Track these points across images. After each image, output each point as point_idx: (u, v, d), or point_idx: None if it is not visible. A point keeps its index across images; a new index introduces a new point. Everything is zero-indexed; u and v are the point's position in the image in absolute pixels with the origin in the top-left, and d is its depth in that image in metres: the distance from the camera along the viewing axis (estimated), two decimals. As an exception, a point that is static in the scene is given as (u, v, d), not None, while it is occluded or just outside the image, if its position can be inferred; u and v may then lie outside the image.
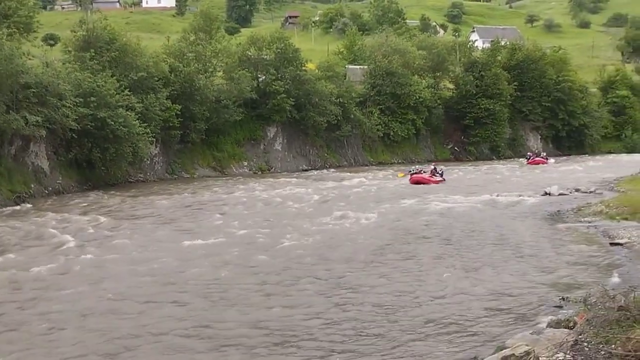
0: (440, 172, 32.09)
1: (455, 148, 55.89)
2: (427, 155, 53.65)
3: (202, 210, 22.48)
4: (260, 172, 41.77)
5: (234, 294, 11.40)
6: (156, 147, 36.79)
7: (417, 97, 50.72)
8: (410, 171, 31.35)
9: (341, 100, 46.60)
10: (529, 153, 46.43)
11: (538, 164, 42.95)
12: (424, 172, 31.32)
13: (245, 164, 42.21)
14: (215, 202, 24.57)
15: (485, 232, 17.77)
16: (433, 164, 35.33)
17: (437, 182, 30.79)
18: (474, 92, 54.72)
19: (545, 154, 47.26)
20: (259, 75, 44.31)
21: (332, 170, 43.71)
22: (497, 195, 25.57)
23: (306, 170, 43.93)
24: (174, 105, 36.21)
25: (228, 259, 14.15)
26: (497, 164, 45.86)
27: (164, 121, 35.76)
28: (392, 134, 50.49)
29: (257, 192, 28.40)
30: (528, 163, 43.75)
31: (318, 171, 42.84)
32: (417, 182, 29.72)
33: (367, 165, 47.20)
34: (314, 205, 23.59)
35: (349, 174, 38.29)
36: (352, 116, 47.66)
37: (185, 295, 11.36)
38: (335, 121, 46.07)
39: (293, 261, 14.00)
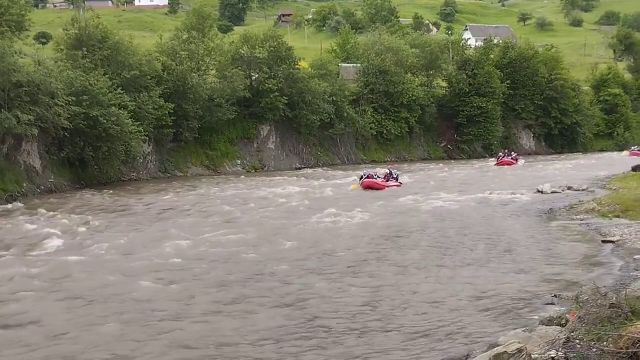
0: (395, 176, 30.41)
1: (449, 146, 55.75)
2: (421, 153, 53.56)
3: (192, 210, 22.41)
4: (253, 171, 41.78)
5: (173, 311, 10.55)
6: (149, 145, 36.72)
7: (411, 95, 50.74)
8: (362, 176, 29.59)
9: (334, 99, 46.69)
10: (500, 153, 46.43)
11: (506, 164, 42.70)
12: (378, 176, 29.62)
13: (239, 162, 42.29)
14: (200, 203, 24.35)
15: (477, 231, 17.74)
16: (389, 167, 33.61)
17: (387, 187, 28.79)
18: (467, 90, 54.62)
19: (515, 154, 46.99)
20: (252, 74, 44.28)
21: (326, 168, 43.73)
22: (490, 194, 25.63)
23: (299, 168, 43.93)
24: (167, 103, 36.14)
25: (194, 271, 13.47)
26: (464, 165, 45.20)
27: (157, 120, 35.68)
28: (385, 132, 50.53)
29: (247, 190, 28.43)
30: (497, 164, 43.46)
31: (312, 169, 42.92)
32: (369, 187, 28.03)
33: (360, 164, 47.19)
34: (304, 204, 23.47)
35: (341, 172, 38.29)
36: (346, 115, 47.76)
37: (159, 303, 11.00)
38: (329, 120, 46.18)
39: (272, 264, 13.65)
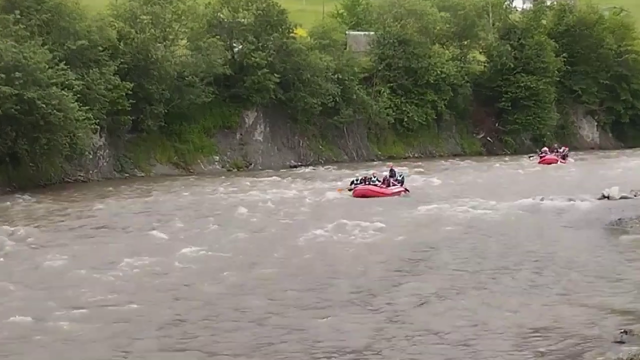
0: (400, 177, 29.62)
1: (488, 138, 55.94)
2: (452, 147, 53.63)
3: (145, 223, 22.51)
4: (235, 170, 41.86)
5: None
6: (101, 137, 36.84)
7: (439, 72, 50.80)
8: (353, 181, 28.65)
9: (340, 77, 46.61)
10: (544, 148, 46.49)
11: (550, 162, 43.11)
12: (376, 180, 28.60)
13: (217, 159, 42.30)
14: (157, 213, 24.50)
15: (524, 247, 17.86)
16: (389, 165, 32.85)
17: (391, 193, 28.18)
18: (512, 66, 54.76)
19: (565, 149, 46.92)
20: (234, 45, 44.49)
21: (329, 166, 43.98)
22: (542, 199, 25.82)
23: (295, 166, 44.14)
24: (123, 82, 36.25)
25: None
26: (507, 163, 45.57)
27: (111, 103, 35.76)
28: (406, 120, 50.68)
29: (224, 195, 28.77)
30: (540, 162, 43.78)
31: (311, 168, 43.18)
32: (363, 196, 27.37)
33: (373, 160, 47.39)
34: (298, 214, 23.61)
35: (348, 171, 38.36)
36: (355, 97, 47.74)
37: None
38: (333, 103, 46.18)
39: (243, 299, 13.49)
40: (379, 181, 28.87)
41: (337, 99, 46.37)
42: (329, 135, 48.07)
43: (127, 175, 37.65)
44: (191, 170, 40.36)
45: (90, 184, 34.46)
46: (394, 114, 50.13)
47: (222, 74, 42.01)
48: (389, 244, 18.33)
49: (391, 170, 30.28)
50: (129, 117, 37.45)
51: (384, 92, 50.24)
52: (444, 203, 25.48)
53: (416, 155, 50.80)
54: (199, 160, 41.55)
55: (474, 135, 56.01)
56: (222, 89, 42.99)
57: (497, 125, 56.33)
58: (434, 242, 18.68)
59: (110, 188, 31.98)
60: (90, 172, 36.13)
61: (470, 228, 20.60)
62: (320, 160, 46.25)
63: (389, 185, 28.81)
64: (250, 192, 29.98)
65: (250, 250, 17.93)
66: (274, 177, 36.23)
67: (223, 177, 37.00)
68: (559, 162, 43.77)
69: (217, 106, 42.87)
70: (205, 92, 40.80)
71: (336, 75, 46.39)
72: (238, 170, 41.82)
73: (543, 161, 43.84)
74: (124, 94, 36.25)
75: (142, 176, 37.91)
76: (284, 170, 41.44)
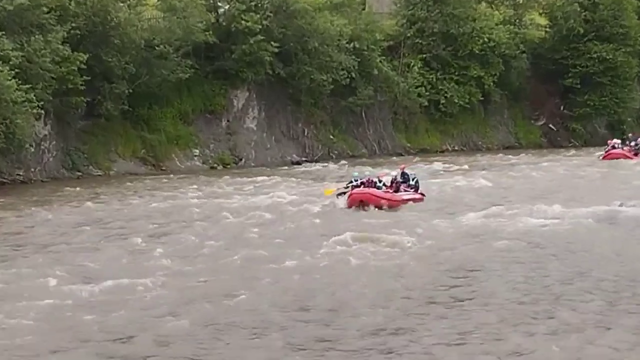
0: (413, 181, 28.86)
1: (550, 126, 56.06)
2: (503, 137, 53.88)
3: (99, 237, 22.52)
4: (221, 167, 41.93)
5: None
6: (46, 124, 36.78)
7: (486, 39, 51.15)
8: (351, 182, 27.87)
9: (357, 46, 46.32)
10: (612, 141, 45.98)
11: (616, 158, 43.06)
12: (382, 184, 27.72)
13: (196, 152, 42.27)
14: (110, 227, 24.34)
15: (599, 268, 17.70)
16: (401, 166, 31.74)
17: (400, 201, 27.52)
18: (582, 31, 54.63)
19: (636, 143, 46.27)
20: (220, 4, 44.64)
21: (343, 162, 43.88)
22: (620, 205, 25.81)
23: (298, 163, 44.11)
24: (75, 53, 36.18)
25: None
26: (575, 157, 45.74)
27: (60, 81, 35.69)
28: (443, 102, 51.31)
29: (202, 200, 28.99)
30: (604, 158, 43.72)
31: (319, 165, 43.14)
32: (361, 202, 26.68)
33: (401, 155, 47.28)
34: (302, 224, 23.80)
35: (369, 168, 38.06)
36: (376, 72, 47.49)
37: None
38: (347, 81, 45.89)
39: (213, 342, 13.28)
40: (386, 185, 28.04)
41: (353, 74, 46.15)
42: (342, 122, 47.99)
43: (79, 174, 37.55)
44: (163, 168, 40.27)
45: (32, 185, 34.48)
46: (427, 94, 50.30)
47: (203, 43, 41.96)
48: (415, 266, 18.19)
49: (403, 173, 29.51)
50: (82, 98, 37.19)
51: (414, 65, 50.45)
52: (491, 211, 25.44)
53: (456, 147, 52.12)
54: (173, 155, 41.48)
55: (532, 121, 56.57)
56: (204, 61, 42.95)
57: (561, 108, 56.64)
58: (478, 262, 18.52)
59: (58, 192, 31.79)
60: (32, 170, 35.96)
61: (526, 244, 20.43)
62: (330, 154, 46.35)
63: (397, 190, 28.08)
64: (235, 196, 30.02)
65: (230, 273, 17.64)
66: (271, 177, 36.21)
67: (204, 177, 36.99)
68: (634, 159, 43.42)
69: (196, 84, 42.80)
70: (181, 65, 40.61)
71: (352, 44, 46.17)
72: (224, 167, 41.84)
73: (608, 156, 43.71)
74: (76, 68, 36.11)
75: (100, 175, 37.94)
76: (284, 168, 41.39)
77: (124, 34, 38.48)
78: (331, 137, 47.36)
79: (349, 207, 26.92)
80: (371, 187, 27.30)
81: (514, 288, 16.17)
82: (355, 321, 14.06)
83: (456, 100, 50.74)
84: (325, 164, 43.07)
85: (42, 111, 34.99)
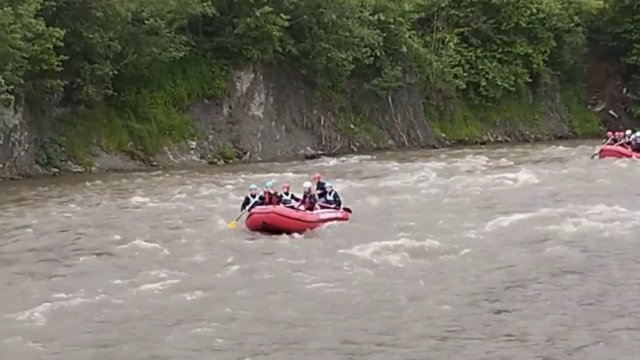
0: (330, 192, 26.51)
1: (611, 112, 57.23)
2: (554, 125, 54.94)
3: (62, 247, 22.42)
4: (222, 162, 42.50)
5: None
6: (16, 112, 37.54)
7: (534, 10, 52.03)
8: (247, 200, 25.36)
9: (383, 19, 47.11)
10: (609, 133, 45.41)
11: (613, 155, 42.57)
12: (289, 197, 25.29)
13: (193, 145, 42.69)
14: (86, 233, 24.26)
15: None
16: (315, 175, 29.28)
17: (316, 221, 24.90)
18: (648, 2, 54.40)
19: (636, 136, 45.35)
20: (220, -30, 44.25)
21: (367, 156, 44.87)
22: None
23: (312, 157, 44.89)
24: (51, 29, 36.53)
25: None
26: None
27: (32, 61, 36.08)
28: (484, 84, 52.07)
29: (196, 200, 29.91)
30: (601, 154, 43.18)
31: (338, 160, 43.60)
32: (264, 225, 24.00)
33: (434, 147, 48.57)
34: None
35: (396, 164, 39.48)
36: (405, 50, 48.41)
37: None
38: (371, 60, 46.61)
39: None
40: (296, 200, 25.46)
41: (378, 52, 46.88)
42: (365, 108, 48.47)
43: (56, 170, 38.19)
44: (154, 164, 40.79)
45: (0, 183, 35.30)
46: (465, 75, 51.54)
47: (200, 15, 42.51)
48: (473, 266, 18.75)
49: (318, 183, 27.27)
50: (58, 81, 37.46)
51: (449, 41, 51.76)
52: (542, 211, 25.79)
53: (499, 138, 52.06)
54: (165, 148, 41.87)
55: (589, 107, 57.89)
56: (202, 37, 43.93)
57: (624, 91, 57.71)
58: (526, 269, 18.68)
59: (32, 191, 32.47)
60: (1, 166, 36.61)
61: (583, 251, 20.51)
62: (352, 146, 47.17)
63: (311, 207, 25.37)
64: (230, 196, 30.07)
65: (210, 295, 17.05)
66: (281, 174, 36.14)
67: (201, 174, 37.44)
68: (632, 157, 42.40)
69: (193, 64, 43.46)
70: (174, 42, 41.29)
71: (376, 16, 47.09)
72: (226, 162, 42.41)
73: (605, 153, 43.16)
74: (52, 46, 36.55)
75: (80, 172, 38.54)
76: (296, 163, 42.06)
77: (108, 6, 38.91)
78: (352, 126, 47.60)
79: (251, 229, 24.27)
80: (276, 203, 24.57)
81: (567, 302, 16.08)
82: (396, 330, 14.40)
83: (499, 83, 51.71)
84: (345, 158, 43.60)
85: (12, 97, 35.59)
